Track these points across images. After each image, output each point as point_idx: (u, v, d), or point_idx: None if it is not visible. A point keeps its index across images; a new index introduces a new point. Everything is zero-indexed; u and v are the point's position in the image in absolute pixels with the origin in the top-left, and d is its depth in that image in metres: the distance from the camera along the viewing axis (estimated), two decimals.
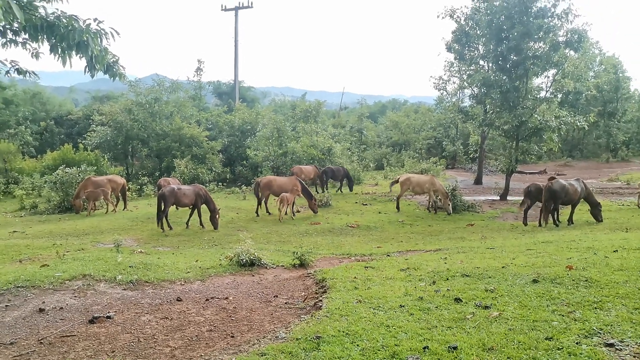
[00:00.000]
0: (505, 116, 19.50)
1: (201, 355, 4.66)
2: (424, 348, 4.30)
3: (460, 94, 28.42)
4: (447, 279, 6.55)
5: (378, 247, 11.74)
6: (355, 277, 7.07)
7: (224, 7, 40.75)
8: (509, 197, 20.74)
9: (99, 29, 6.03)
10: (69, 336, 5.23)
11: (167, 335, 5.24)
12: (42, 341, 5.09)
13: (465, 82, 23.61)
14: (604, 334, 4.41)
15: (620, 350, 4.10)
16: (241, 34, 53.84)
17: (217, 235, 13.71)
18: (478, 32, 21.23)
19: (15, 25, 6.05)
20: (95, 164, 24.95)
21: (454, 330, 4.69)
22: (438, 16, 22.29)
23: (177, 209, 17.13)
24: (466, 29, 21.64)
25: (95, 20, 6.00)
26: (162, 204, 14.25)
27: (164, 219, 14.29)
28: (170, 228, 14.48)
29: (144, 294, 6.93)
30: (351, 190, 23.28)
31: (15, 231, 14.38)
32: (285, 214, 16.76)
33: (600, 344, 4.21)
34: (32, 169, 27.07)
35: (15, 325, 5.57)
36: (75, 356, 4.74)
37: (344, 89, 61.68)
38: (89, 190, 17.73)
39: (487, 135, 26.36)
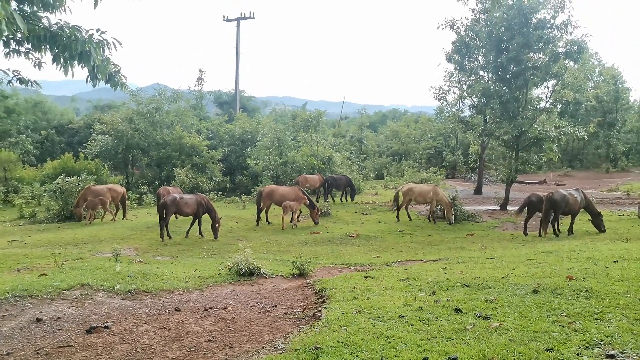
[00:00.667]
0: (505, 126, 19.54)
1: None
2: (424, 359, 4.27)
3: (460, 104, 28.53)
4: (447, 289, 6.52)
5: (378, 256, 11.70)
6: (354, 287, 7.04)
7: (225, 18, 41.05)
8: (509, 207, 20.71)
9: (102, 39, 6.08)
10: (66, 346, 5.20)
11: (165, 346, 5.21)
12: (38, 351, 5.06)
13: (465, 93, 23.70)
14: (604, 345, 4.38)
15: None
16: (242, 44, 54.07)
17: (217, 245, 13.67)
18: (478, 43, 21.37)
19: (19, 35, 6.10)
20: (96, 172, 24.99)
21: (454, 341, 4.66)
22: (438, 27, 22.46)
23: (176, 217, 17.13)
24: (466, 40, 21.78)
25: (97, 30, 6.06)
26: (164, 212, 14.24)
27: (164, 228, 14.27)
28: (170, 237, 14.44)
29: (142, 303, 6.90)
30: (353, 199, 23.27)
31: (14, 240, 14.35)
32: (291, 222, 16.74)
33: (601, 355, 4.18)
34: (32, 178, 27.09)
35: (12, 335, 5.53)
36: None
37: (344, 99, 61.95)
38: (89, 199, 17.74)
39: (487, 145, 26.39)
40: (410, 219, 18.01)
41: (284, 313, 6.35)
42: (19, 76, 6.57)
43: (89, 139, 29.46)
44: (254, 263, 8.79)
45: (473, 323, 5.08)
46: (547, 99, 20.90)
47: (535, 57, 19.51)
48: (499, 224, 17.45)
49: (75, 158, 26.81)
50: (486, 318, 5.21)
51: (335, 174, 25.86)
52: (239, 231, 16.06)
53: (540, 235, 14.39)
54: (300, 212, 17.47)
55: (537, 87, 21.09)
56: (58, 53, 5.99)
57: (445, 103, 29.18)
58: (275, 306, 6.71)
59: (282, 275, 8.93)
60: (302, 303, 6.83)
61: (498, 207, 21.03)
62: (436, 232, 15.96)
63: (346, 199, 23.72)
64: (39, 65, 6.53)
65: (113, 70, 6.60)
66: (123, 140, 27.93)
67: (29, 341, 5.37)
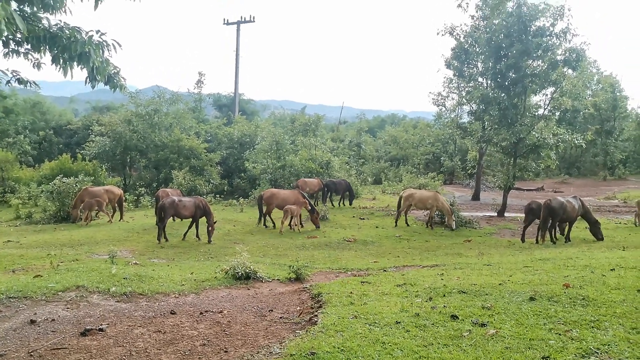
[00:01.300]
0: (504, 133, 19.59)
1: None
2: None
3: (459, 110, 28.62)
4: (444, 296, 6.51)
5: (375, 261, 11.67)
6: (351, 292, 7.02)
7: (226, 21, 41.14)
8: (506, 214, 20.73)
9: (101, 40, 6.08)
10: (59, 349, 5.16)
11: (159, 349, 5.18)
12: (32, 353, 5.02)
13: (464, 99, 23.76)
14: (601, 353, 4.37)
15: None
16: (242, 47, 54.22)
17: (213, 248, 13.63)
18: (477, 50, 21.46)
19: (18, 36, 6.10)
20: (93, 174, 24.93)
21: (450, 348, 4.65)
22: (438, 33, 22.56)
23: (173, 220, 17.09)
24: (465, 47, 21.88)
25: (97, 32, 6.06)
26: (162, 215, 14.21)
27: (162, 230, 14.24)
28: (167, 240, 14.40)
29: (137, 306, 6.87)
30: (351, 203, 23.26)
31: (9, 241, 14.29)
32: (290, 226, 16.71)
33: None
34: (29, 178, 27.00)
35: (6, 337, 5.49)
36: None
37: (343, 103, 62.08)
38: (85, 200, 17.69)
39: (485, 152, 26.44)
40: (408, 225, 18.01)
41: (280, 317, 6.32)
42: (18, 76, 6.56)
43: (87, 140, 29.43)
44: (251, 267, 8.75)
45: (469, 330, 5.06)
46: (546, 106, 20.97)
47: (534, 65, 19.58)
48: (496, 230, 17.46)
49: (72, 159, 26.76)
50: (483, 325, 5.19)
51: (334, 178, 25.86)
52: (236, 234, 16.03)
53: (537, 242, 14.39)
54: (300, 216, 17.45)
55: (535, 95, 21.17)
56: (57, 54, 5.99)
57: (444, 109, 29.27)
58: (272, 310, 6.68)
59: (278, 279, 8.90)
60: (299, 307, 6.81)
61: (496, 214, 21.05)
62: (433, 237, 15.95)
63: (344, 203, 23.72)
64: (38, 65, 6.52)
65: (112, 71, 6.59)
66: (121, 142, 27.90)
67: (22, 343, 5.33)
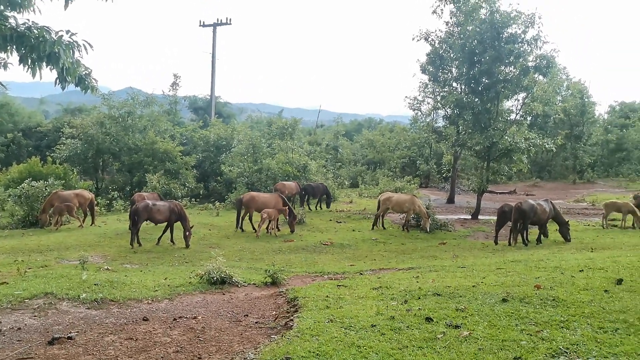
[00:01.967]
0: (477, 137, 19.96)
1: None
2: None
3: (434, 115, 29.04)
4: (419, 298, 6.56)
5: (351, 265, 11.71)
6: (327, 296, 7.01)
7: (202, 23, 40.76)
8: (480, 217, 21.09)
9: (72, 40, 5.94)
10: (25, 358, 4.99)
11: (131, 357, 5.06)
12: None
13: (439, 103, 24.13)
14: (570, 353, 4.47)
15: None
16: (219, 50, 53.79)
17: (188, 253, 13.44)
18: (451, 55, 21.84)
19: None
20: (64, 177, 24.23)
21: (425, 350, 4.68)
22: (413, 39, 22.87)
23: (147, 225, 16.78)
24: (440, 52, 22.24)
25: (67, 32, 5.92)
26: (135, 219, 13.94)
27: (135, 235, 13.96)
28: (140, 244, 14.13)
29: (108, 313, 6.70)
30: (328, 207, 23.28)
31: None
32: (267, 230, 16.59)
33: None
34: None
35: None
36: None
37: (320, 107, 62.13)
38: (55, 204, 17.19)
39: (459, 155, 26.89)
40: (384, 228, 18.13)
41: (256, 322, 6.26)
42: None
43: (58, 142, 28.61)
44: (226, 271, 8.66)
45: (444, 332, 5.11)
46: (518, 111, 21.47)
47: (506, 71, 20.04)
48: (470, 232, 17.74)
49: (42, 162, 25.95)
50: (457, 327, 5.25)
51: (311, 181, 25.85)
52: (212, 238, 15.84)
53: (509, 244, 14.69)
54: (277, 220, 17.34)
55: (507, 100, 21.66)
56: (25, 54, 5.82)
57: (419, 113, 29.65)
58: (247, 315, 6.62)
59: (254, 284, 8.83)
60: (274, 312, 6.76)
61: (470, 216, 21.39)
62: (409, 240, 16.10)
63: (321, 207, 23.73)
64: (4, 66, 6.33)
65: (83, 72, 6.44)
66: (93, 145, 27.24)
67: None
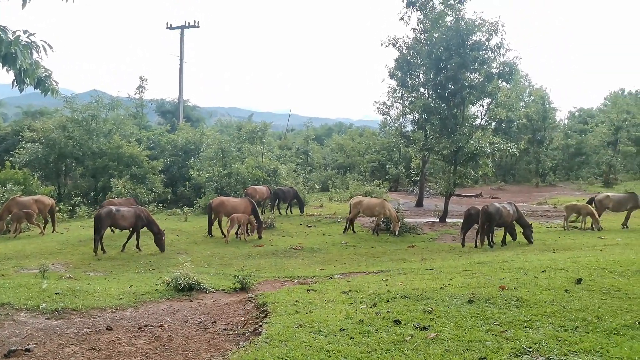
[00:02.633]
0: (444, 142, 20.36)
1: None
2: None
3: (403, 119, 29.48)
4: (388, 301, 6.61)
5: (321, 269, 11.70)
6: (297, 301, 6.98)
7: (169, 25, 40.09)
8: (448, 219, 21.48)
9: (30, 41, 5.73)
10: None
11: None
12: None
13: (407, 108, 24.51)
14: (532, 352, 4.60)
15: None
16: (187, 53, 52.91)
17: (155, 259, 13.13)
18: (419, 61, 22.22)
19: None
20: (24, 183, 23.31)
21: (393, 352, 4.72)
22: (382, 44, 23.16)
23: (112, 231, 16.34)
24: (408, 58, 22.59)
25: (25, 32, 5.70)
26: (98, 225, 13.53)
27: (98, 242, 13.55)
28: (104, 251, 13.72)
29: (70, 323, 6.46)
30: (302, 212, 23.21)
31: None
32: (236, 235, 16.38)
33: None
34: None
35: None
36: None
37: (290, 111, 62.09)
38: (13, 211, 16.51)
39: (427, 160, 27.35)
40: (354, 232, 18.22)
41: (224, 329, 6.17)
42: None
43: (17, 146, 27.54)
44: (194, 277, 8.50)
45: (412, 334, 5.17)
46: (483, 117, 22.03)
47: (472, 77, 20.54)
48: (438, 235, 18.04)
49: (0, 167, 24.93)
50: (424, 329, 5.32)
51: (281, 186, 25.76)
52: (180, 244, 15.54)
53: (476, 246, 15.01)
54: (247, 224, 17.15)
55: (473, 105, 22.21)
56: None
57: (388, 118, 30.05)
58: (215, 322, 6.51)
59: (223, 290, 8.69)
60: (243, 318, 6.68)
61: (438, 219, 21.76)
62: (379, 244, 16.23)
63: (291, 211, 23.67)
64: None
65: (43, 74, 6.22)
66: (55, 149, 26.36)
67: None
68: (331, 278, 9.76)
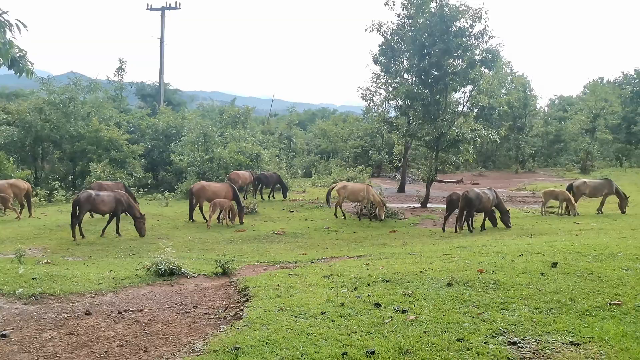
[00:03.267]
0: (427, 128, 20.46)
1: None
2: (343, 354, 4.34)
3: (386, 105, 29.46)
4: (369, 285, 6.69)
5: (303, 254, 11.75)
6: (278, 285, 7.01)
7: (149, 7, 39.19)
8: (429, 205, 21.72)
9: (3, 19, 5.54)
10: None
11: (71, 353, 4.85)
12: None
13: (390, 94, 24.49)
14: (508, 333, 4.71)
15: (522, 347, 4.41)
16: (168, 36, 51.92)
17: (135, 244, 13.01)
18: (403, 47, 22.15)
19: None
20: None
21: (373, 335, 4.78)
22: (366, 29, 22.98)
23: (92, 216, 16.12)
24: (392, 44, 22.49)
25: None
26: (76, 210, 13.32)
27: (77, 227, 13.35)
28: (83, 236, 13.53)
29: (48, 308, 6.38)
30: (285, 197, 23.17)
31: None
32: (218, 220, 16.31)
33: (505, 342, 4.50)
34: None
35: None
36: None
37: (273, 96, 61.56)
38: None
39: (410, 146, 27.49)
40: (336, 217, 18.31)
41: (205, 313, 6.17)
42: None
43: None
44: (175, 262, 8.45)
45: (391, 317, 5.24)
46: (465, 103, 22.16)
47: (455, 63, 20.58)
48: (419, 220, 18.24)
49: None
50: (404, 311, 5.40)
51: (264, 171, 25.65)
52: (161, 229, 15.41)
53: (456, 231, 15.24)
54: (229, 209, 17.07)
55: (455, 92, 22.28)
56: None
57: (372, 103, 30.05)
58: (196, 306, 6.50)
59: (204, 275, 8.67)
60: (225, 302, 6.68)
61: (419, 205, 21.99)
62: (361, 229, 16.35)
63: (274, 196, 23.63)
64: None
65: (17, 54, 6.03)
66: (31, 132, 25.71)
67: None
68: (313, 262, 9.81)
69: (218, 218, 16.58)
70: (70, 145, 26.12)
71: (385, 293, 6.14)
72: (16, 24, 5.65)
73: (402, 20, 22.37)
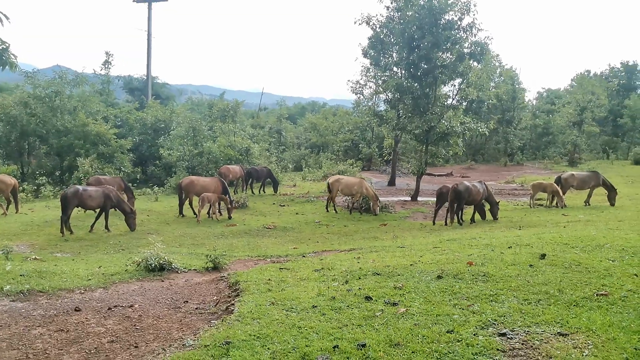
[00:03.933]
0: (416, 121, 20.52)
1: None
2: (334, 347, 4.36)
3: (376, 99, 29.51)
4: (359, 278, 6.71)
5: (294, 248, 11.76)
6: (269, 279, 7.01)
7: None
8: (419, 198, 21.84)
9: None
10: None
11: (61, 350, 4.81)
12: None
13: (380, 87, 24.49)
14: (497, 324, 4.76)
15: (511, 339, 4.46)
16: (156, 28, 51.29)
17: (125, 239, 12.91)
18: (392, 40, 22.13)
19: None
20: None
21: (364, 328, 4.81)
22: (355, 22, 22.91)
23: (84, 211, 15.96)
24: (381, 37, 22.46)
25: None
26: (65, 205, 13.18)
27: (65, 222, 13.21)
28: (71, 232, 13.40)
29: (36, 305, 6.32)
30: (276, 191, 23.12)
31: None
32: (208, 215, 16.24)
33: (495, 334, 4.55)
34: None
35: None
36: None
37: (263, 89, 61.36)
38: None
39: (400, 139, 27.57)
40: (328, 211, 18.33)
41: (196, 308, 6.15)
42: None
43: None
44: (165, 257, 8.41)
45: (382, 309, 5.27)
46: (454, 97, 22.27)
47: (444, 57, 20.62)
48: (410, 214, 18.34)
49: None
50: (394, 304, 5.43)
51: (254, 165, 25.56)
52: (151, 224, 15.31)
53: (446, 224, 15.35)
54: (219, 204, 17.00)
55: (445, 85, 22.35)
56: None
57: (362, 97, 30.06)
58: (187, 302, 6.48)
59: (195, 270, 8.65)
60: (215, 297, 6.67)
61: (409, 198, 22.09)
62: (352, 222, 16.40)
63: (264, 190, 23.59)
64: None
65: (0, 47, 5.92)
66: (17, 127, 25.32)
67: None
68: (304, 256, 9.82)
69: (208, 212, 16.52)
70: (57, 139, 25.77)
71: (376, 286, 6.17)
72: None
73: (392, 13, 22.33)
